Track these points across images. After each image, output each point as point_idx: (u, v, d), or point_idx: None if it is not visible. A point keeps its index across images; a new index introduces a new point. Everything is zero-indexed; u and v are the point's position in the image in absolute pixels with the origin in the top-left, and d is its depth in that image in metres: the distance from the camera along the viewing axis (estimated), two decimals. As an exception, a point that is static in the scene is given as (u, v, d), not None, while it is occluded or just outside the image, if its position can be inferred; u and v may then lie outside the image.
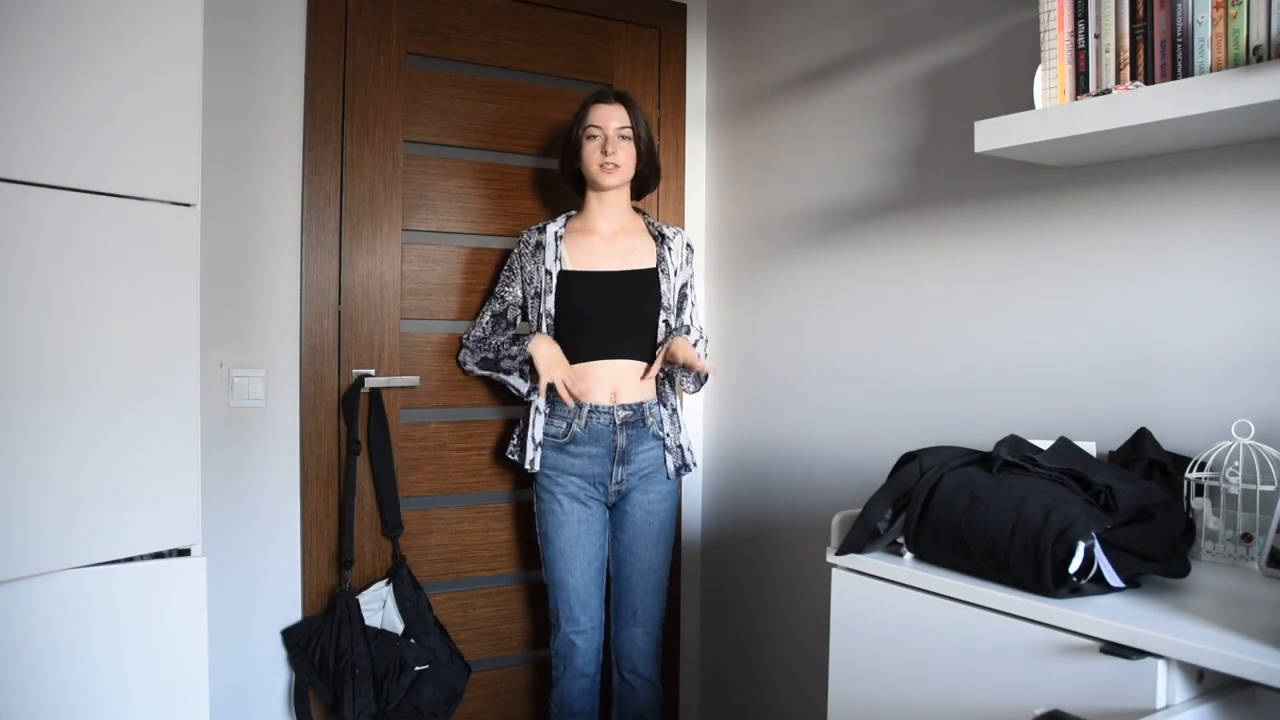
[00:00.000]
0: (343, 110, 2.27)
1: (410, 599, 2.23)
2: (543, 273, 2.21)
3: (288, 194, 2.22)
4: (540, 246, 2.23)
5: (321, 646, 2.14)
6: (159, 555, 1.61)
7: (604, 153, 2.16)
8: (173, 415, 1.61)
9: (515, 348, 2.20)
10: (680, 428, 2.27)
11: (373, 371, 2.31)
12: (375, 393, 2.29)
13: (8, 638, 1.43)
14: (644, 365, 2.22)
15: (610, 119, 2.18)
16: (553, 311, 2.19)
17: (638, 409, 2.19)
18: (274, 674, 2.22)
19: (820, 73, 2.34)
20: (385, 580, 2.26)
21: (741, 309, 2.60)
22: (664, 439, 2.23)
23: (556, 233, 2.24)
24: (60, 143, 1.45)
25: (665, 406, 2.25)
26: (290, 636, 2.20)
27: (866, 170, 2.20)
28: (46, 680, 1.47)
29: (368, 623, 2.18)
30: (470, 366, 2.33)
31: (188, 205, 1.63)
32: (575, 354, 2.19)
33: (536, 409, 2.19)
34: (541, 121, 2.52)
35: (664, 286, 2.24)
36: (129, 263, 1.55)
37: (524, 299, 2.27)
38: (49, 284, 1.45)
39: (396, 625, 2.21)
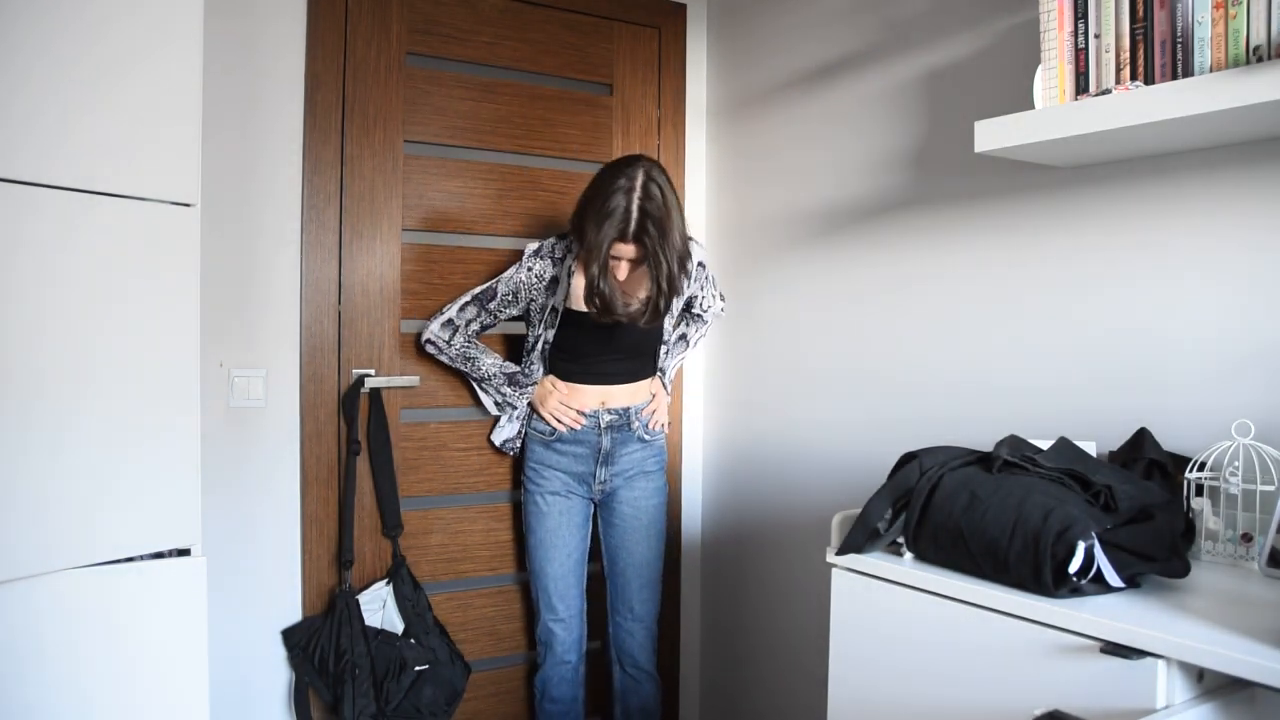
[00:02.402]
0: (343, 110, 2.27)
1: (410, 599, 2.24)
2: (550, 308, 2.22)
3: (288, 194, 2.22)
4: (555, 281, 2.20)
5: (321, 646, 2.14)
6: (159, 555, 1.61)
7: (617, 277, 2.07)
8: (173, 415, 1.61)
9: (509, 389, 2.26)
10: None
11: (373, 371, 2.31)
12: (375, 393, 2.29)
13: (8, 638, 1.43)
14: (636, 385, 2.27)
15: (625, 254, 2.05)
16: (551, 340, 2.23)
17: (624, 413, 2.25)
18: (274, 674, 2.22)
19: (820, 72, 2.34)
20: (385, 580, 2.26)
21: (741, 308, 2.60)
22: (650, 441, 2.30)
23: (570, 268, 2.20)
24: (60, 143, 1.45)
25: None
26: (290, 636, 2.20)
27: (866, 170, 2.20)
28: (47, 680, 1.47)
29: (368, 623, 2.18)
30: (441, 359, 2.29)
31: (187, 205, 1.63)
32: (570, 377, 2.24)
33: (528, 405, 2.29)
34: (541, 121, 2.52)
35: (666, 324, 2.28)
36: (129, 262, 1.54)
37: (526, 314, 2.28)
38: (48, 284, 1.45)
39: (396, 625, 2.21)
